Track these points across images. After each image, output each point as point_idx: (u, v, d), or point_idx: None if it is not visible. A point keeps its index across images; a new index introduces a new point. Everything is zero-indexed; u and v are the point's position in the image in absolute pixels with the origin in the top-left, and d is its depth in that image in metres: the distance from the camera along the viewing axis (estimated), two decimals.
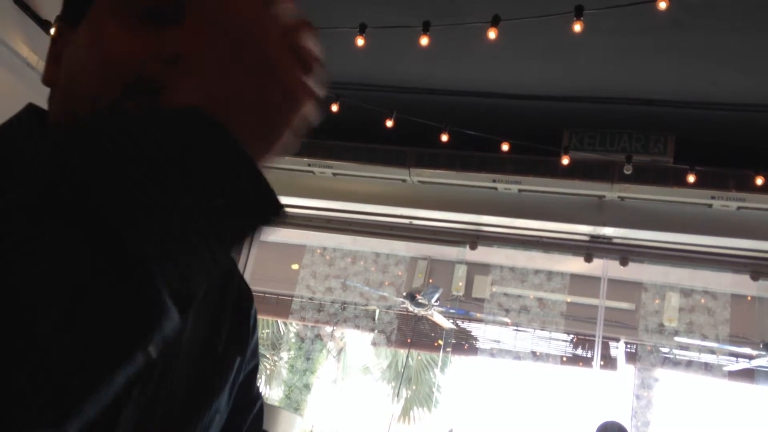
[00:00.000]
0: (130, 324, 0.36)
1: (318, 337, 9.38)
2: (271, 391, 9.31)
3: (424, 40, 3.43)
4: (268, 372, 9.48)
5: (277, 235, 5.59)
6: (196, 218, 0.39)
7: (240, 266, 4.84)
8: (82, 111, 0.64)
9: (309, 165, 4.81)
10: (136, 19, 0.64)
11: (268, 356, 9.47)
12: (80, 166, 0.37)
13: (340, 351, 9.87)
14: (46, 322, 0.33)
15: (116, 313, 0.35)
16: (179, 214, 0.38)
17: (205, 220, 0.39)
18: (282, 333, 9.73)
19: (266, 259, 6.12)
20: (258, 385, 0.84)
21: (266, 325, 9.52)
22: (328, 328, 8.72)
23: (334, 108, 3.98)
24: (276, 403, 8.40)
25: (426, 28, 3.41)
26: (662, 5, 2.97)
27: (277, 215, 0.44)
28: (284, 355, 9.64)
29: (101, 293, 0.35)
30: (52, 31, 0.75)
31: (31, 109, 0.70)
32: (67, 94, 0.66)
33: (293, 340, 9.62)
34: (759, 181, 4.13)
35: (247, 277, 4.85)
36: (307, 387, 9.27)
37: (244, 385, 0.80)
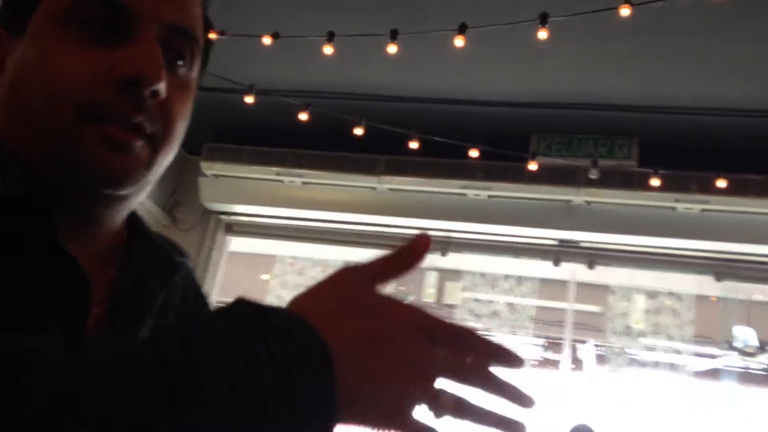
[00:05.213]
0: None
1: None
2: None
3: (392, 48, 3.44)
4: None
5: (246, 245, 5.53)
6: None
7: (209, 277, 4.77)
8: (34, 130, 0.62)
9: (278, 174, 4.78)
10: (83, 35, 0.61)
11: None
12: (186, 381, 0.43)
13: None
14: None
15: None
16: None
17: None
18: None
19: (236, 269, 6.05)
20: None
21: None
22: None
23: (303, 116, 3.96)
24: None
25: (394, 36, 3.42)
26: (625, 12, 3.01)
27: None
28: None
29: None
30: None
31: None
32: (15, 109, 0.64)
33: None
34: (721, 183, 4.21)
35: (216, 288, 4.79)
36: None
37: None
